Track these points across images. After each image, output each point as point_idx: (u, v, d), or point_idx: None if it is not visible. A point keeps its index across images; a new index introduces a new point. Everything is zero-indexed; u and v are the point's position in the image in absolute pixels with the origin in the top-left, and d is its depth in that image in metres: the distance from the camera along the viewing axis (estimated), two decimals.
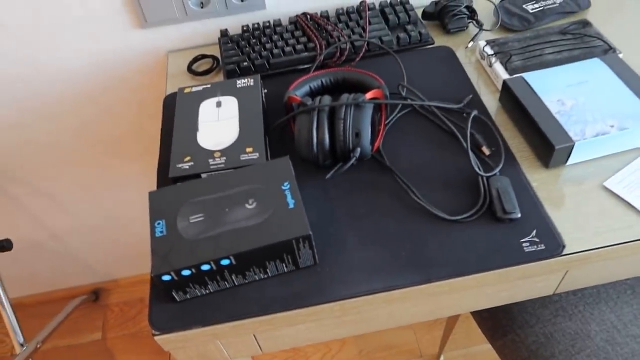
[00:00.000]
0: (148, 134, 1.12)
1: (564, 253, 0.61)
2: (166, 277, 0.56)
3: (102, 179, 1.21)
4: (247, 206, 0.60)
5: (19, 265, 1.41)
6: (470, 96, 0.79)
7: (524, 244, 0.62)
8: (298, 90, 0.77)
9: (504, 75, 0.80)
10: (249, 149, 0.68)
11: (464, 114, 0.76)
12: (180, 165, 0.68)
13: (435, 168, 0.70)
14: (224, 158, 0.68)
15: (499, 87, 0.81)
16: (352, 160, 0.65)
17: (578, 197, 0.67)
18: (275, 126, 0.72)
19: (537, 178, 0.69)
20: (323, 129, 0.65)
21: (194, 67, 0.92)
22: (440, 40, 0.91)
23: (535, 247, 0.61)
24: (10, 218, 1.26)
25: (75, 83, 1.00)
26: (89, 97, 1.02)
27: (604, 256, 0.63)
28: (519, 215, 0.64)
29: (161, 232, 0.59)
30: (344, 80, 0.79)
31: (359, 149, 0.65)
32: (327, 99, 0.68)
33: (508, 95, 0.76)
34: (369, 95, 0.69)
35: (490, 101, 0.80)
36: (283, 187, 0.61)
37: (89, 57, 0.96)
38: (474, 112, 0.72)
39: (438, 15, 0.92)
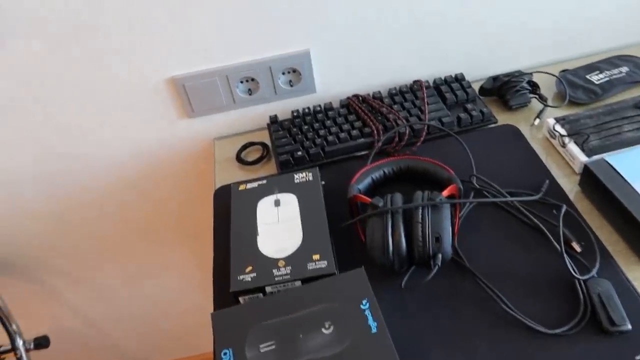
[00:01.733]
0: (190, 221, 1.08)
1: None
2: None
3: (143, 266, 1.17)
4: (324, 331, 0.53)
5: (59, 355, 1.35)
6: (547, 181, 0.73)
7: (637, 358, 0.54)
8: (360, 184, 0.72)
9: (582, 157, 0.73)
10: (315, 257, 0.63)
11: (545, 203, 0.70)
12: (242, 277, 0.62)
13: (522, 269, 0.63)
14: (289, 268, 0.62)
15: (576, 169, 0.75)
16: (435, 271, 0.59)
17: None
18: (342, 227, 0.66)
19: (637, 277, 0.62)
20: (399, 234, 0.59)
21: (243, 155, 0.88)
22: (501, 117, 0.86)
23: None
24: (49, 309, 1.22)
25: (118, 172, 0.97)
26: (132, 184, 0.99)
27: None
28: (630, 326, 0.56)
29: None
30: (409, 169, 0.74)
31: (440, 255, 0.59)
32: (398, 198, 0.63)
33: (591, 181, 0.69)
34: (445, 192, 0.63)
35: (567, 185, 0.74)
36: (362, 307, 0.55)
37: (133, 147, 0.93)
38: (564, 207, 0.65)
39: (497, 91, 0.87)
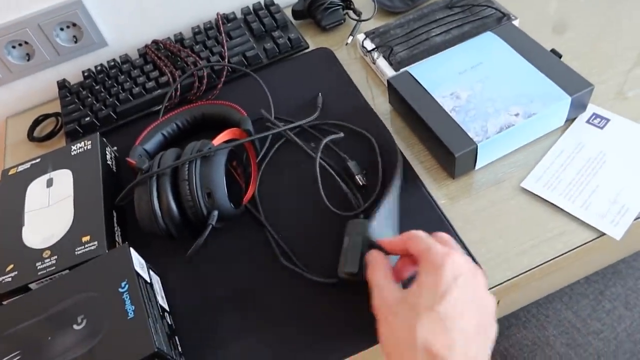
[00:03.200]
0: None
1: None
2: None
3: None
4: (75, 327, 0.46)
5: None
6: (320, 95, 0.66)
7: None
8: (148, 143, 0.63)
9: (389, 72, 0.67)
10: (85, 238, 0.54)
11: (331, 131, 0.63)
12: (1, 279, 0.53)
13: (312, 214, 0.57)
14: (55, 257, 0.53)
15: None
16: (207, 230, 0.51)
17: (494, 209, 0.55)
18: (118, 202, 0.58)
19: (445, 193, 0.57)
20: (166, 198, 0.51)
21: (36, 131, 0.76)
22: (317, 41, 0.78)
23: None
24: None
25: None
26: None
27: (537, 276, 0.52)
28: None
29: None
30: (204, 118, 0.66)
31: (215, 213, 0.52)
32: (170, 156, 0.54)
33: (396, 97, 0.63)
34: (219, 138, 0.55)
35: (383, 105, 0.68)
36: (120, 289, 0.47)
37: None
38: (330, 138, 0.59)
39: (309, 12, 0.79)
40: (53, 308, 0.47)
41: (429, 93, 0.60)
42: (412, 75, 0.63)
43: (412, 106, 0.60)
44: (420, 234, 0.43)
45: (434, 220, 0.55)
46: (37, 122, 0.77)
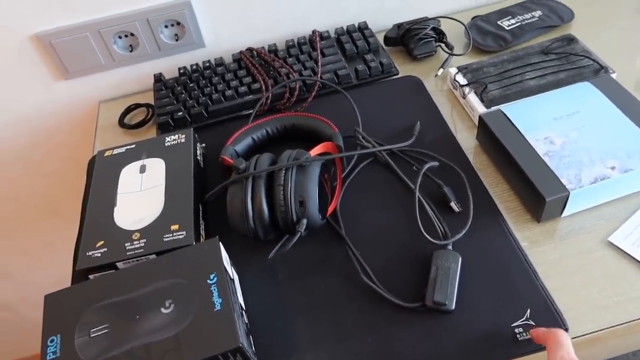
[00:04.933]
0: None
1: None
2: None
3: (48, 241, 1.09)
4: (163, 310, 0.47)
5: None
6: (418, 123, 0.67)
7: (516, 330, 0.49)
8: (239, 145, 0.65)
9: (480, 108, 0.68)
10: (174, 227, 0.56)
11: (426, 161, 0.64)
12: (90, 253, 0.55)
13: (394, 235, 0.58)
14: (144, 240, 0.55)
15: (476, 122, 0.69)
16: (296, 237, 0.53)
17: (579, 259, 0.54)
18: (208, 198, 0.60)
19: (528, 236, 0.57)
20: (260, 200, 0.53)
21: (127, 119, 0.80)
22: (406, 69, 0.79)
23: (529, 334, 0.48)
24: None
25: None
26: (15, 156, 0.90)
27: (619, 334, 0.51)
28: (453, 307, 0.50)
29: (54, 353, 0.46)
30: (294, 128, 0.67)
31: (305, 221, 0.53)
32: (265, 160, 0.56)
33: (486, 134, 0.64)
34: (315, 150, 0.57)
35: (467, 140, 0.68)
36: (209, 281, 0.49)
37: (8, 115, 0.84)
38: (429, 165, 0.60)
39: (402, 40, 0.80)
40: (143, 288, 0.49)
41: (521, 134, 0.61)
42: (505, 114, 0.63)
43: (503, 144, 0.60)
44: (563, 339, 0.44)
45: (514, 261, 0.54)
46: (128, 110, 0.81)
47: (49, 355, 0.46)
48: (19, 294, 1.20)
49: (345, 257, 0.56)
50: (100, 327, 0.47)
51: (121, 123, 0.79)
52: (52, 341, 0.47)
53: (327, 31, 0.82)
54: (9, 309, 1.23)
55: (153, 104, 0.80)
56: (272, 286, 0.56)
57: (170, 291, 0.48)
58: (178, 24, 0.79)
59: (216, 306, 0.47)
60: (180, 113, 0.73)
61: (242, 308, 0.52)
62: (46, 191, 0.98)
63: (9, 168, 0.92)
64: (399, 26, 0.81)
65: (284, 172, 0.53)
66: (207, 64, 0.80)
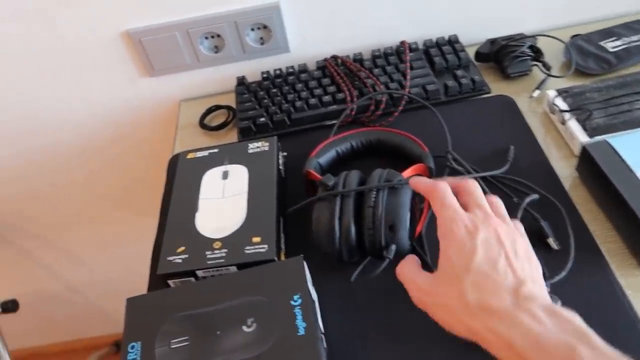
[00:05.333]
0: (161, 188, 1.01)
1: None
2: None
3: (117, 233, 1.12)
4: (245, 329, 0.46)
5: (38, 314, 1.33)
6: (512, 148, 0.63)
7: None
8: (322, 157, 0.63)
9: (583, 137, 0.63)
10: (256, 239, 0.55)
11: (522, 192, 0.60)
12: (171, 259, 0.55)
13: None
14: (225, 250, 0.54)
15: (575, 151, 0.64)
16: (385, 264, 0.50)
17: None
18: (290, 212, 0.58)
19: (632, 283, 0.52)
20: (348, 219, 0.51)
21: (207, 120, 0.80)
22: (497, 87, 0.75)
23: None
24: (23, 271, 1.19)
25: (80, 134, 0.90)
26: (96, 148, 0.93)
27: None
28: None
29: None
30: (380, 143, 0.65)
31: (394, 247, 0.50)
32: (354, 178, 0.54)
33: (589, 166, 0.59)
34: (408, 172, 0.54)
35: (565, 169, 0.64)
36: (293, 302, 0.47)
37: (93, 107, 0.86)
38: (530, 199, 0.56)
39: (495, 57, 0.76)
40: (225, 303, 0.48)
41: (631, 170, 0.56)
42: (612, 146, 0.58)
43: (610, 180, 0.55)
44: (443, 189, 0.45)
45: (619, 311, 0.50)
46: (209, 111, 0.81)
47: None
48: (88, 279, 1.24)
49: None
50: (180, 339, 0.46)
51: (202, 124, 0.79)
52: (132, 347, 0.47)
53: (416, 42, 0.79)
54: (77, 291, 1.28)
55: (234, 106, 0.79)
56: (350, 309, 0.53)
57: (253, 309, 0.47)
58: (264, 27, 0.78)
59: (299, 330, 0.45)
60: (262, 119, 0.72)
61: (321, 332, 0.50)
62: (122, 184, 1.00)
63: (89, 158, 0.94)
64: (492, 42, 0.77)
65: (374, 193, 0.51)
66: (291, 70, 0.78)
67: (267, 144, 0.65)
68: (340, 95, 0.73)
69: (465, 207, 0.44)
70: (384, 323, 0.52)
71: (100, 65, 0.80)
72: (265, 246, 0.54)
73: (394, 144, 0.64)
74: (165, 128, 0.90)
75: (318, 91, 0.74)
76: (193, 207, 0.60)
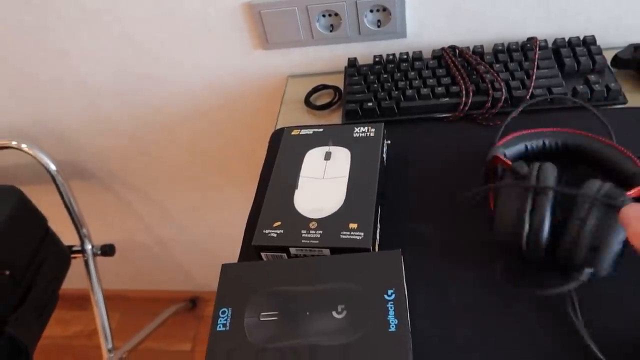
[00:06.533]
0: (258, 159, 1.03)
1: None
2: None
3: (210, 196, 1.16)
4: (335, 315, 0.45)
5: (127, 261, 1.43)
6: None
7: None
8: (509, 148, 0.58)
9: None
10: (352, 225, 0.53)
11: None
12: (267, 232, 0.55)
13: None
14: (320, 232, 0.54)
15: None
16: (572, 285, 0.45)
17: None
18: (467, 196, 0.54)
19: None
20: (541, 220, 0.46)
21: (312, 98, 0.79)
22: (635, 98, 0.67)
23: None
24: (121, 219, 1.27)
25: (189, 98, 0.93)
26: (203, 114, 0.96)
27: None
28: None
29: (224, 325, 0.46)
30: (579, 149, 0.58)
31: (590, 271, 0.45)
32: (550, 171, 0.48)
33: None
34: (633, 193, 0.46)
35: None
36: (386, 297, 0.45)
37: (204, 74, 0.89)
38: None
39: (637, 65, 0.68)
40: (317, 285, 0.47)
41: None
42: None
43: None
44: None
45: None
46: (315, 90, 0.80)
47: (219, 327, 0.46)
48: (175, 236, 1.31)
49: (559, 306, 0.49)
50: (270, 313, 0.46)
51: (307, 101, 0.79)
52: (223, 313, 0.47)
53: (545, 40, 0.73)
54: (164, 245, 1.35)
55: (340, 87, 0.78)
56: (443, 316, 0.51)
57: (344, 296, 0.46)
58: (384, 9, 0.75)
59: (391, 326, 0.43)
60: (370, 103, 0.70)
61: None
62: (220, 151, 1.03)
63: (194, 122, 0.98)
64: (636, 47, 0.69)
65: (587, 204, 0.46)
66: (404, 56, 0.76)
67: (373, 129, 0.63)
68: (454, 88, 0.69)
69: None
70: (478, 340, 0.48)
71: (218, 34, 0.82)
72: (362, 234, 0.53)
73: (599, 154, 0.56)
74: (269, 101, 0.91)
75: (431, 81, 0.71)
76: (293, 184, 0.59)
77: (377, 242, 0.55)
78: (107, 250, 1.13)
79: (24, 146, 1.03)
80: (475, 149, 0.65)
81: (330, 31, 0.79)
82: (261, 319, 0.46)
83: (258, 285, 0.48)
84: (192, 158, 1.06)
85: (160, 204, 1.21)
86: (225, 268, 0.51)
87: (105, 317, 1.13)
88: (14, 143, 1.04)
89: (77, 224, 1.10)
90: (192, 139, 1.02)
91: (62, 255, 1.07)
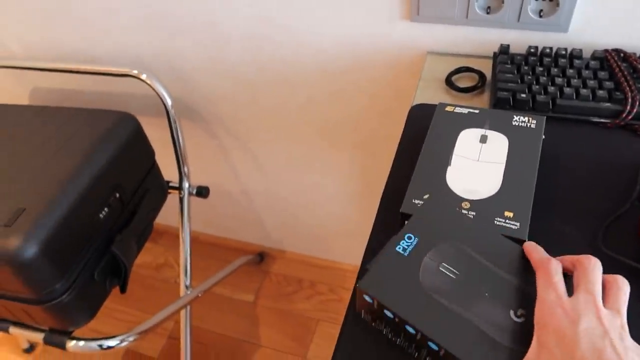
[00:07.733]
0: (369, 128, 1.03)
1: None
2: (367, 298, 0.46)
3: (307, 157, 1.17)
4: (512, 315, 0.43)
5: (209, 206, 1.47)
6: None
7: None
8: None
9: None
10: (508, 214, 0.52)
11: None
12: (416, 202, 0.55)
13: None
14: (473, 213, 0.53)
15: None
16: None
17: None
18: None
19: None
20: None
21: (454, 79, 0.78)
22: None
23: None
24: (215, 165, 1.30)
25: (318, 59, 0.93)
26: (325, 75, 0.96)
27: None
28: None
29: (403, 250, 0.47)
30: None
31: None
32: None
33: None
34: None
35: None
36: None
37: (342, 35, 0.88)
38: None
39: None
40: (500, 269, 0.46)
41: None
42: None
43: None
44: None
45: None
46: (457, 71, 0.78)
47: (398, 247, 0.48)
48: (262, 189, 1.33)
49: None
50: (451, 268, 0.46)
51: (448, 81, 0.77)
52: (409, 238, 0.48)
53: None
54: (246, 196, 1.38)
55: (486, 73, 0.76)
56: None
57: (526, 300, 0.44)
58: (551, 0, 0.72)
59: None
60: (523, 95, 0.68)
61: None
62: (336, 117, 1.03)
63: (316, 82, 0.98)
64: None
65: None
66: (563, 52, 0.72)
67: (534, 121, 0.61)
68: (617, 95, 0.65)
69: (575, 286, 0.41)
70: None
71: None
72: (518, 224, 0.51)
73: None
74: (402, 75, 0.89)
75: (592, 83, 0.68)
76: (445, 160, 0.59)
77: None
78: (202, 191, 1.16)
79: (144, 76, 1.06)
80: (633, 161, 0.62)
81: (487, 13, 0.76)
82: (440, 268, 0.46)
83: (449, 237, 0.48)
84: (303, 116, 1.07)
85: (257, 156, 1.23)
86: (426, 203, 0.52)
87: (189, 254, 1.18)
88: (134, 72, 1.07)
89: (181, 161, 1.14)
90: (308, 97, 1.02)
91: (162, 189, 1.12)
